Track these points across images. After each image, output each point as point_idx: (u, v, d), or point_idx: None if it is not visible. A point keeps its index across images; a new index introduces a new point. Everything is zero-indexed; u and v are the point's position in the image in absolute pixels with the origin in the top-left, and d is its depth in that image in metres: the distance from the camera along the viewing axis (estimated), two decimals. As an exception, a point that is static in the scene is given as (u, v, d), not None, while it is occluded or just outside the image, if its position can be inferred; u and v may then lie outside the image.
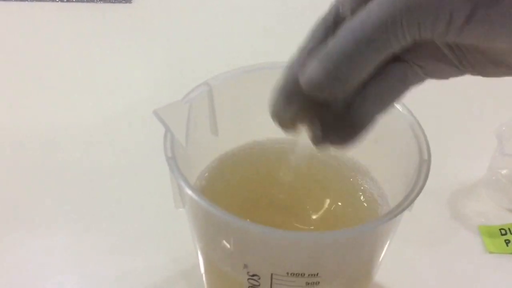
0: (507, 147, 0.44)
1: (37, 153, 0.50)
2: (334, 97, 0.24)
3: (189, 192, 0.26)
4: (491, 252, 0.43)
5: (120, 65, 0.62)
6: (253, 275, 0.28)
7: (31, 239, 0.43)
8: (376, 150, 0.33)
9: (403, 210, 0.25)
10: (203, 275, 0.35)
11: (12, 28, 0.67)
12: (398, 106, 0.32)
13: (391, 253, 0.42)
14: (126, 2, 0.71)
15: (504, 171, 0.46)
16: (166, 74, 0.60)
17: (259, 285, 0.28)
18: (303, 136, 0.27)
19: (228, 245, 0.27)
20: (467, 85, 0.59)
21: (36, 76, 0.60)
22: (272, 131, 0.36)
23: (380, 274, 0.40)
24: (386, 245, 0.29)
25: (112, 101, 0.56)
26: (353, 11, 0.23)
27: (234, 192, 0.33)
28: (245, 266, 0.28)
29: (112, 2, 0.71)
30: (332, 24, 0.24)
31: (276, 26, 0.68)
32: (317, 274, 0.27)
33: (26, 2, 0.70)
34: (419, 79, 0.25)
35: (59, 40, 0.65)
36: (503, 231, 0.44)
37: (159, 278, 0.41)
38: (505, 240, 0.43)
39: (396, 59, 0.24)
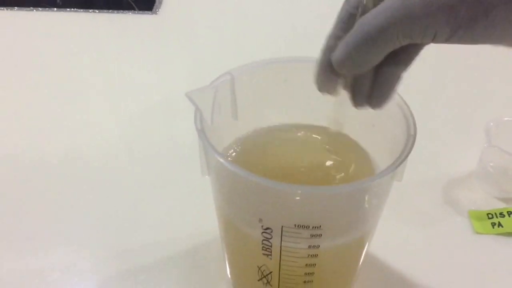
0: (494, 142, 0.49)
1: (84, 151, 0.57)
2: (357, 73, 0.30)
3: (216, 156, 0.32)
4: (478, 233, 0.48)
5: (146, 71, 0.68)
6: (267, 229, 0.33)
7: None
8: (374, 132, 0.39)
9: (391, 171, 0.31)
10: (222, 241, 0.40)
11: (42, 37, 0.74)
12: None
13: (388, 231, 0.47)
14: (152, 13, 0.77)
15: (492, 164, 0.51)
16: (189, 80, 0.66)
17: (271, 237, 0.34)
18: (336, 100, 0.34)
19: (246, 202, 0.33)
20: (459, 85, 0.65)
21: (64, 83, 0.65)
22: (285, 117, 0.42)
23: (376, 248, 0.45)
24: (378, 206, 0.35)
25: (143, 98, 0.63)
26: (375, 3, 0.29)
27: (252, 163, 0.39)
28: (260, 220, 0.33)
29: (139, 13, 0.77)
30: (351, 16, 0.30)
31: (290, 34, 0.74)
32: (319, 227, 0.32)
33: (55, 11, 0.77)
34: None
35: (89, 48, 0.72)
36: (490, 215, 0.49)
37: (182, 248, 0.46)
38: (491, 223, 0.48)
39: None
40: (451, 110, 0.61)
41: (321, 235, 0.33)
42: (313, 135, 0.42)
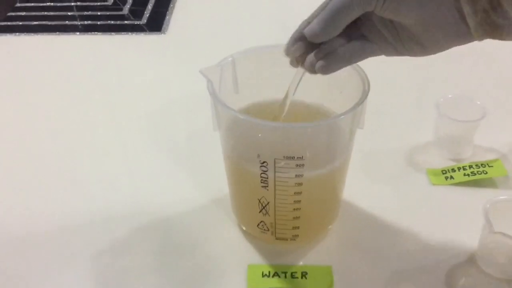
0: (444, 114, 0.61)
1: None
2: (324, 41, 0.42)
3: (224, 108, 0.44)
4: (434, 184, 0.59)
5: (155, 87, 0.79)
6: (263, 162, 0.45)
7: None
8: (341, 97, 0.51)
9: (351, 111, 0.43)
10: (229, 185, 0.52)
11: (51, 61, 0.85)
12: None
13: (361, 186, 0.59)
14: (161, 33, 0.91)
15: (444, 132, 0.63)
16: (196, 96, 0.77)
17: (267, 170, 0.46)
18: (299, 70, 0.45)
19: (247, 142, 0.45)
20: (415, 68, 0.79)
21: (77, 101, 0.75)
22: (278, 93, 0.54)
23: (352, 198, 0.57)
24: (347, 142, 0.47)
25: (156, 106, 0.75)
26: None
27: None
28: (258, 156, 0.45)
29: (149, 34, 0.90)
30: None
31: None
32: (302, 157, 0.44)
33: (78, 35, 0.90)
34: (372, 51, 0.43)
35: (108, 65, 0.83)
36: (444, 171, 0.60)
37: (194, 206, 0.58)
38: (445, 177, 0.60)
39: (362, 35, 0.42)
40: (409, 91, 0.75)
41: (303, 165, 0.45)
42: (298, 105, 0.54)
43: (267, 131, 0.45)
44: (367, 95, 0.45)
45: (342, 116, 0.44)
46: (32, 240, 0.55)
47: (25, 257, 0.53)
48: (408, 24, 0.41)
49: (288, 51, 0.45)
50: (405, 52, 0.43)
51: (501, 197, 0.50)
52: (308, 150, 0.45)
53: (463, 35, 0.40)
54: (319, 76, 0.46)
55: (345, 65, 0.44)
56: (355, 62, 0.44)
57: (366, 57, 0.44)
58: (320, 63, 0.43)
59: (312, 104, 0.52)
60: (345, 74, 0.46)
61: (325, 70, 0.43)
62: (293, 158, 0.44)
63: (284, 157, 0.44)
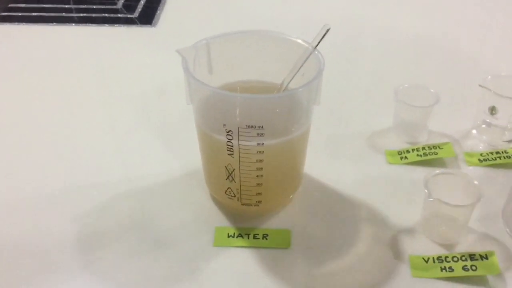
0: (402, 101, 0.67)
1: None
2: None
3: (196, 82, 0.50)
4: (390, 163, 0.65)
5: (144, 74, 0.84)
6: (229, 131, 0.51)
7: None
8: (303, 79, 0.57)
9: (306, 86, 0.49)
10: (202, 155, 0.58)
11: (48, 50, 0.90)
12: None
13: (325, 165, 0.65)
14: (152, 26, 0.97)
15: (400, 118, 0.69)
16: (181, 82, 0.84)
17: (232, 138, 0.51)
18: None
19: (215, 112, 0.51)
20: (375, 60, 0.86)
21: (71, 85, 0.81)
22: (249, 75, 0.60)
23: (313, 172, 0.63)
24: (302, 115, 0.53)
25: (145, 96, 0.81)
26: None
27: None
28: (224, 125, 0.51)
29: (141, 26, 0.97)
30: None
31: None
32: (262, 127, 0.50)
33: (74, 26, 0.96)
34: None
35: (101, 56, 0.89)
36: (399, 152, 0.67)
37: (171, 177, 0.64)
38: (400, 157, 0.66)
39: None
40: (371, 80, 0.82)
41: (264, 134, 0.51)
42: (263, 84, 0.59)
43: (231, 102, 0.51)
44: (321, 73, 0.51)
45: (300, 89, 0.50)
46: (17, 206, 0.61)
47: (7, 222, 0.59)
48: None
49: None
50: None
51: (439, 170, 0.56)
52: (267, 120, 0.51)
53: None
54: (284, 61, 0.53)
55: None
56: None
57: None
58: None
59: (277, 84, 0.58)
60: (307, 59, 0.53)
61: None
62: (254, 127, 0.50)
63: (246, 126, 0.50)
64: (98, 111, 0.76)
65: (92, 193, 0.62)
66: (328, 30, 0.52)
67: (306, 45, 0.54)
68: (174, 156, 0.67)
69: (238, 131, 0.51)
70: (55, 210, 0.60)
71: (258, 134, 0.51)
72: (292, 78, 0.54)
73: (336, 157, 0.67)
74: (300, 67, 0.53)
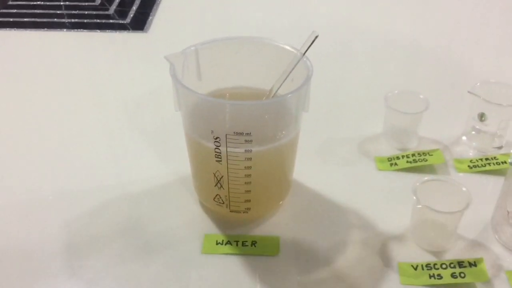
0: (392, 107, 0.67)
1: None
2: None
3: (184, 89, 0.50)
4: (380, 170, 0.65)
5: (135, 79, 0.84)
6: (216, 138, 0.51)
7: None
8: (291, 84, 0.56)
9: (294, 93, 0.49)
10: (191, 162, 0.58)
11: (40, 55, 0.90)
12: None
13: (316, 169, 0.65)
14: (143, 32, 0.97)
15: (390, 124, 0.69)
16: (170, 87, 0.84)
17: (220, 145, 0.51)
18: None
19: (203, 119, 0.51)
20: (366, 67, 0.87)
21: (63, 90, 0.81)
22: (238, 81, 0.60)
23: (305, 179, 0.63)
24: (291, 122, 0.53)
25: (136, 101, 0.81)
26: None
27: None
28: (212, 132, 0.51)
29: (132, 32, 0.97)
30: None
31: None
32: (250, 133, 0.50)
33: (65, 31, 0.96)
34: None
35: (94, 61, 0.89)
36: (389, 159, 0.66)
37: (160, 183, 0.64)
38: (390, 163, 0.66)
39: None
40: (361, 87, 0.82)
41: (252, 140, 0.51)
42: (252, 90, 0.59)
43: (218, 108, 0.51)
44: (310, 79, 0.51)
45: (289, 95, 0.50)
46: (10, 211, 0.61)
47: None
48: None
49: None
50: None
51: (427, 177, 0.56)
52: (255, 127, 0.51)
53: None
54: (273, 68, 0.53)
55: None
56: None
57: None
58: None
59: (266, 90, 0.58)
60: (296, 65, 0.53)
61: None
62: (242, 134, 0.50)
63: (234, 133, 0.50)
64: (89, 116, 0.76)
65: (81, 199, 0.61)
66: (316, 37, 0.52)
67: (295, 51, 0.54)
68: (164, 162, 0.67)
69: (226, 138, 0.51)
70: (45, 215, 0.60)
71: (246, 141, 0.51)
72: (281, 84, 0.54)
73: (326, 164, 0.67)
74: (289, 74, 0.53)
